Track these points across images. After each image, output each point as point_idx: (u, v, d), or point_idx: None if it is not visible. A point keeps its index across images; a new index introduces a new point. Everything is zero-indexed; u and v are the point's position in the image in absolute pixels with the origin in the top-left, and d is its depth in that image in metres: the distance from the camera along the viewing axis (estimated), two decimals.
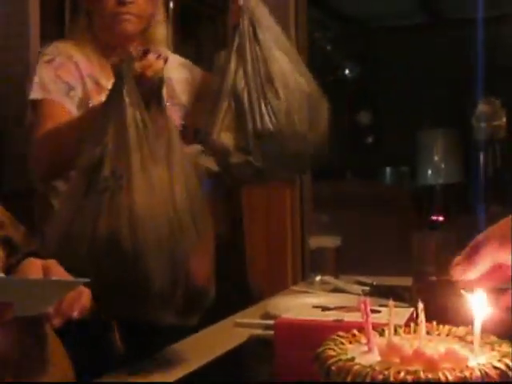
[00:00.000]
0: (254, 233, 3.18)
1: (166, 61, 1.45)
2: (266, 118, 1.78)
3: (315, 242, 1.99)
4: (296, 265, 3.31)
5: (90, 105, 1.76)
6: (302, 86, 1.87)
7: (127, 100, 1.31)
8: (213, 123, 1.78)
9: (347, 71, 7.05)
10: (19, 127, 1.94)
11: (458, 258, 0.93)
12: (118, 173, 1.27)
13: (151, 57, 1.43)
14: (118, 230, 1.22)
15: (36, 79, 1.77)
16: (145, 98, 1.35)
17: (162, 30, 1.92)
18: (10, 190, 2.17)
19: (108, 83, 1.77)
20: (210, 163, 1.80)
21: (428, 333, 0.88)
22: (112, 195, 1.25)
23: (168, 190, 1.29)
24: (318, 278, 1.92)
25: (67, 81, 1.77)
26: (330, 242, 1.97)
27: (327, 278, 1.90)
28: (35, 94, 1.76)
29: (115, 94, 1.35)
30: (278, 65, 1.84)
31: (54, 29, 2.33)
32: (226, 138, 1.77)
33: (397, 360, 0.78)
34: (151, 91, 1.37)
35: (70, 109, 1.76)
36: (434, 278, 0.99)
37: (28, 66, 2.10)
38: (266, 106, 1.79)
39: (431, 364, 0.76)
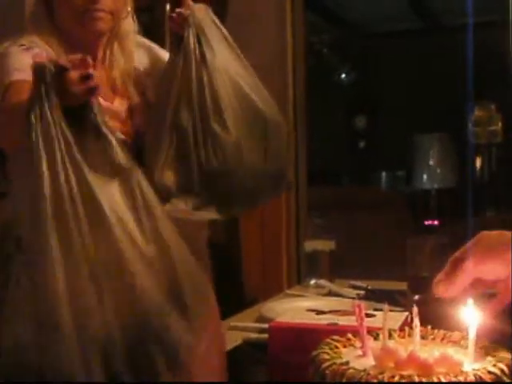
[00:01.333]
0: (249, 236, 3.18)
1: (95, 90, 1.07)
2: (211, 153, 1.56)
3: (310, 245, 1.99)
4: (291, 268, 3.31)
5: None
6: (259, 110, 1.65)
7: (41, 140, 0.88)
8: (155, 160, 1.55)
9: (343, 75, 7.06)
10: None
11: (439, 276, 0.98)
12: (26, 244, 0.83)
13: (73, 75, 1.03)
14: (22, 340, 0.78)
15: (11, 65, 1.53)
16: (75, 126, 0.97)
17: (128, 21, 1.73)
18: None
19: None
20: (211, 214, 1.60)
21: (423, 337, 0.88)
22: (17, 279, 0.82)
23: (123, 270, 0.86)
24: (312, 282, 1.92)
25: None
26: (324, 245, 1.97)
27: (322, 281, 1.90)
28: (11, 76, 1.50)
29: (27, 121, 0.93)
30: (228, 89, 1.61)
31: None
32: (168, 178, 1.54)
33: (391, 364, 0.78)
34: (82, 118, 0.99)
35: None
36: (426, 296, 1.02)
37: None
38: (212, 139, 1.56)
39: (426, 368, 0.76)
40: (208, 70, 1.59)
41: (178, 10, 1.67)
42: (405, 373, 0.75)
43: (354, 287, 1.86)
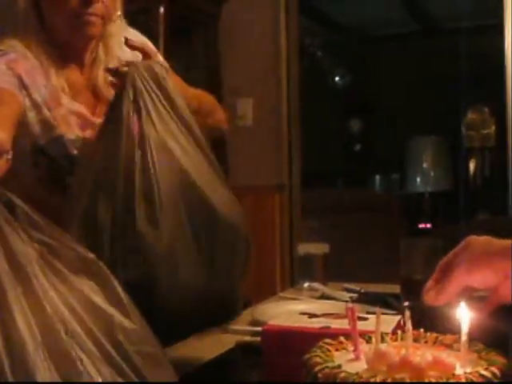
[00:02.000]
0: None
1: None
2: (132, 260, 1.17)
3: (303, 248, 1.98)
4: (284, 271, 3.31)
5: (43, 114, 1.54)
6: (209, 208, 1.26)
7: None
8: None
9: (338, 78, 7.07)
10: None
11: (428, 284, 0.99)
12: None
13: None
14: None
15: None
16: None
17: (116, 24, 1.67)
18: None
19: (64, 98, 1.58)
20: None
21: (415, 340, 0.88)
22: None
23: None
24: (305, 285, 1.91)
25: (21, 76, 1.51)
26: (318, 248, 1.97)
27: (315, 284, 1.90)
28: None
29: None
30: (169, 176, 1.23)
31: None
32: None
33: (383, 368, 0.78)
34: None
35: (21, 100, 1.46)
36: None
37: None
38: (136, 241, 1.17)
39: (418, 372, 0.76)
40: (144, 148, 1.22)
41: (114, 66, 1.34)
42: (397, 376, 0.75)
43: (348, 290, 1.85)
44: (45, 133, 1.54)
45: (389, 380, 0.74)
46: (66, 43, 1.62)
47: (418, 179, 5.84)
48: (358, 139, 7.23)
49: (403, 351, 0.82)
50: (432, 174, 5.79)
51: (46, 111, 1.55)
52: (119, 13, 1.67)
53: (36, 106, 1.55)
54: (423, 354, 0.80)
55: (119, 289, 0.89)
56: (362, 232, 4.49)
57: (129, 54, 1.70)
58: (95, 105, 1.63)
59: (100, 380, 0.81)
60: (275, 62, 3.44)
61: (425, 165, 5.81)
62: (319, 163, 5.85)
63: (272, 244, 3.33)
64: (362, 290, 1.82)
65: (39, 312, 0.80)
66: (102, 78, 1.64)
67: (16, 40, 1.59)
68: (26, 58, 1.57)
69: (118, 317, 0.86)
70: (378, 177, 6.84)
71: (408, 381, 0.74)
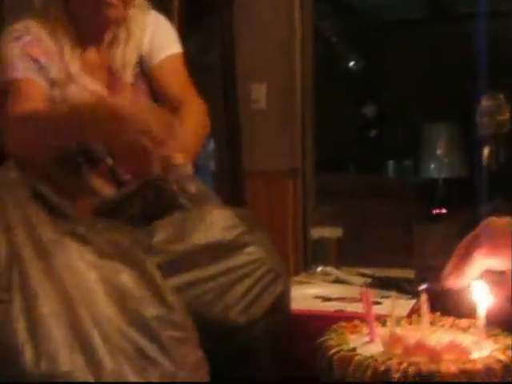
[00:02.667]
0: None
1: None
2: None
3: (317, 232, 1.98)
4: (298, 255, 3.31)
5: (58, 91, 1.60)
6: None
7: None
8: None
9: (352, 63, 7.03)
10: None
11: (448, 268, 0.96)
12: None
13: None
14: None
15: (3, 58, 1.58)
16: None
17: (138, 9, 1.70)
18: None
19: (78, 75, 1.61)
20: None
21: (431, 324, 0.87)
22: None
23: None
24: (319, 269, 1.91)
25: (36, 58, 1.58)
26: (331, 232, 1.96)
27: (329, 268, 1.90)
28: (6, 74, 1.57)
29: None
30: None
31: None
32: None
33: (399, 351, 0.78)
34: None
35: (42, 85, 1.56)
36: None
37: None
38: None
39: (434, 355, 0.75)
40: None
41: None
42: (413, 360, 0.74)
43: (361, 275, 1.85)
44: None
45: (404, 363, 0.73)
46: (86, 24, 1.65)
47: (432, 165, 5.80)
48: (372, 125, 7.19)
49: (419, 335, 0.81)
50: (446, 160, 5.76)
51: (61, 89, 1.58)
52: None
53: (53, 84, 1.58)
54: (439, 338, 0.80)
55: (155, 272, 0.90)
56: (376, 217, 4.48)
57: (148, 39, 1.70)
58: (111, 84, 1.64)
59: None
60: (290, 46, 3.42)
61: (439, 151, 5.77)
62: (333, 148, 5.83)
63: (285, 228, 3.33)
64: (376, 275, 1.81)
65: (64, 298, 0.82)
66: (119, 58, 1.66)
67: (32, 20, 1.62)
68: (41, 40, 1.61)
69: (146, 304, 0.87)
70: (391, 163, 6.81)
71: (423, 364, 0.73)
